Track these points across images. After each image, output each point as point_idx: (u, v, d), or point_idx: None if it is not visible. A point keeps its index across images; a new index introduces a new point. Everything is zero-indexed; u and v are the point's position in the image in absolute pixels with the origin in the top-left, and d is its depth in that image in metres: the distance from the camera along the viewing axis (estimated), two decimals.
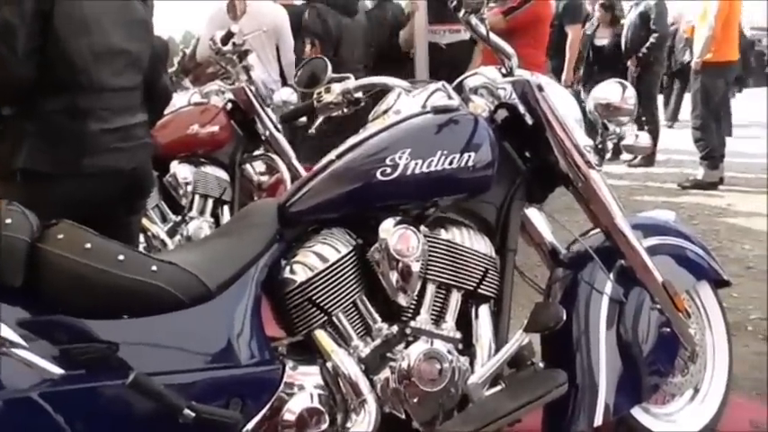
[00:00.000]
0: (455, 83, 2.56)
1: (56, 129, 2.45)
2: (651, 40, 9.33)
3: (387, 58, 5.93)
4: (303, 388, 2.06)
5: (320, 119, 2.81)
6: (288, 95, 4.36)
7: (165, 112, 3.50)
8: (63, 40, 2.41)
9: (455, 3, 2.32)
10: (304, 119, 3.19)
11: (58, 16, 2.39)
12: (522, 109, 2.43)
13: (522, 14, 5.47)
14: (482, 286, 2.27)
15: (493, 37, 2.39)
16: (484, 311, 2.29)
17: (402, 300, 2.17)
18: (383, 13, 6.51)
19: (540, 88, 2.42)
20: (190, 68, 6.08)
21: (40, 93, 2.42)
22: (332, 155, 2.25)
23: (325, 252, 2.15)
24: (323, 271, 2.12)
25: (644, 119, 9.22)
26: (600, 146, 2.49)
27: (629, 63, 9.52)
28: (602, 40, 9.79)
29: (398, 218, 2.16)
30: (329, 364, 2.10)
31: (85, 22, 2.46)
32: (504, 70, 2.48)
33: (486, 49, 2.97)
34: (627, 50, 9.59)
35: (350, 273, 2.16)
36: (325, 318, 2.13)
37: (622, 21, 9.93)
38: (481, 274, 2.26)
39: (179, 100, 4.49)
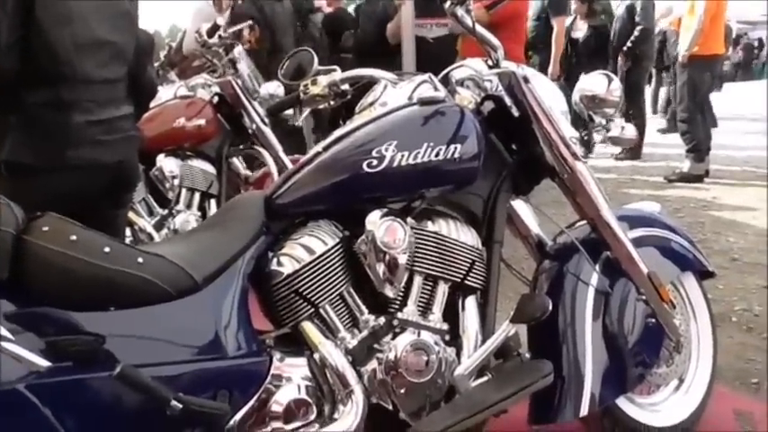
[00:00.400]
0: (441, 75, 2.57)
1: (40, 121, 2.44)
2: (635, 33, 9.34)
3: (376, 52, 5.92)
4: (290, 380, 2.06)
5: (306, 111, 2.81)
6: (274, 88, 4.35)
7: (151, 105, 3.49)
8: (45, 31, 2.40)
9: None
10: (290, 111, 3.18)
11: (39, 7, 2.38)
12: (508, 101, 2.44)
13: (502, 9, 5.51)
14: (469, 278, 2.27)
15: (479, 29, 2.39)
16: (470, 303, 2.30)
17: (389, 291, 2.17)
18: (372, 8, 6.50)
19: (527, 80, 2.43)
20: (176, 62, 6.07)
21: (23, 85, 2.41)
22: (318, 147, 2.25)
23: (312, 244, 2.15)
24: (310, 263, 2.12)
25: (631, 112, 9.24)
26: (586, 138, 2.50)
27: (619, 58, 9.53)
28: (578, 32, 9.76)
29: (385, 210, 2.17)
30: (316, 356, 2.10)
31: (68, 12, 2.45)
32: (490, 62, 2.49)
33: (467, 41, 2.97)
34: (615, 45, 9.61)
35: (337, 265, 2.16)
36: (313, 310, 2.13)
37: (612, 14, 9.92)
38: (468, 265, 2.27)
39: (165, 93, 4.48)
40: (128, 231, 3.76)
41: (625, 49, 9.39)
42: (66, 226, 1.87)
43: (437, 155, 2.18)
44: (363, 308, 2.19)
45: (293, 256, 2.13)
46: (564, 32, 8.71)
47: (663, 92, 14.41)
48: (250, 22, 5.10)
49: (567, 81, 8.28)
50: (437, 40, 5.82)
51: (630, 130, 2.58)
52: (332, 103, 2.71)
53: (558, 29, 8.36)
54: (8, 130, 2.41)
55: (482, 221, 2.38)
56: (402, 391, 2.14)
